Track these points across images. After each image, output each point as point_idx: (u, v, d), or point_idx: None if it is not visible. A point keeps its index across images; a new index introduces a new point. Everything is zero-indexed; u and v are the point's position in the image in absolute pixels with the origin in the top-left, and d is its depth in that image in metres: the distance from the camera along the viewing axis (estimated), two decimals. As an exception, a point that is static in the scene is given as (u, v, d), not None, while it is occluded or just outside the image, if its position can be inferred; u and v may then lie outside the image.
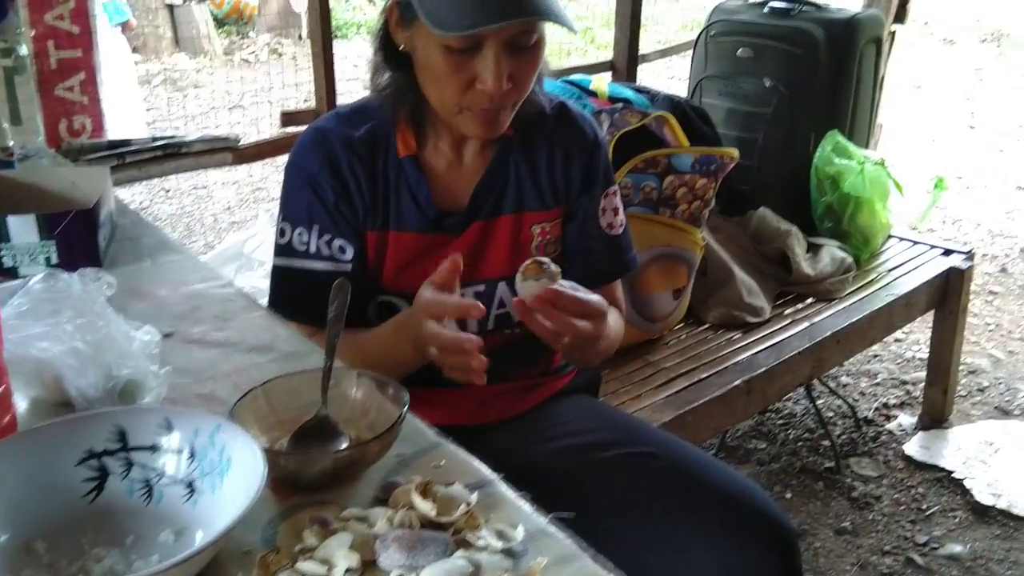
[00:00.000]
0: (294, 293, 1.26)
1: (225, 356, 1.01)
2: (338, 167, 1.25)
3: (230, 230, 4.40)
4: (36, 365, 0.84)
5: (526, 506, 0.80)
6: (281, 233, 1.27)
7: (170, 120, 6.10)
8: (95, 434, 0.77)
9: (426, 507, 0.75)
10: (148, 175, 2.03)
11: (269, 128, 5.76)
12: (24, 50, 1.59)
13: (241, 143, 2.16)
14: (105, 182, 1.27)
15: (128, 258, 1.25)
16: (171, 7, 7.94)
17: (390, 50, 1.23)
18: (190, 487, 0.77)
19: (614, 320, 1.35)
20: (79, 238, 1.15)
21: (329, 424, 0.85)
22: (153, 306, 1.11)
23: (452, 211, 1.30)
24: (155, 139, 2.03)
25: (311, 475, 0.79)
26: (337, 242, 1.25)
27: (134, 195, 4.62)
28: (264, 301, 1.23)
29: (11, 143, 1.51)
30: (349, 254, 1.25)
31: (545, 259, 1.10)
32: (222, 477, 0.75)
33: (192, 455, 0.77)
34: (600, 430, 1.39)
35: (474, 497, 0.77)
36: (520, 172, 1.32)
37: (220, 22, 8.63)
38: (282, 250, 1.27)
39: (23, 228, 1.12)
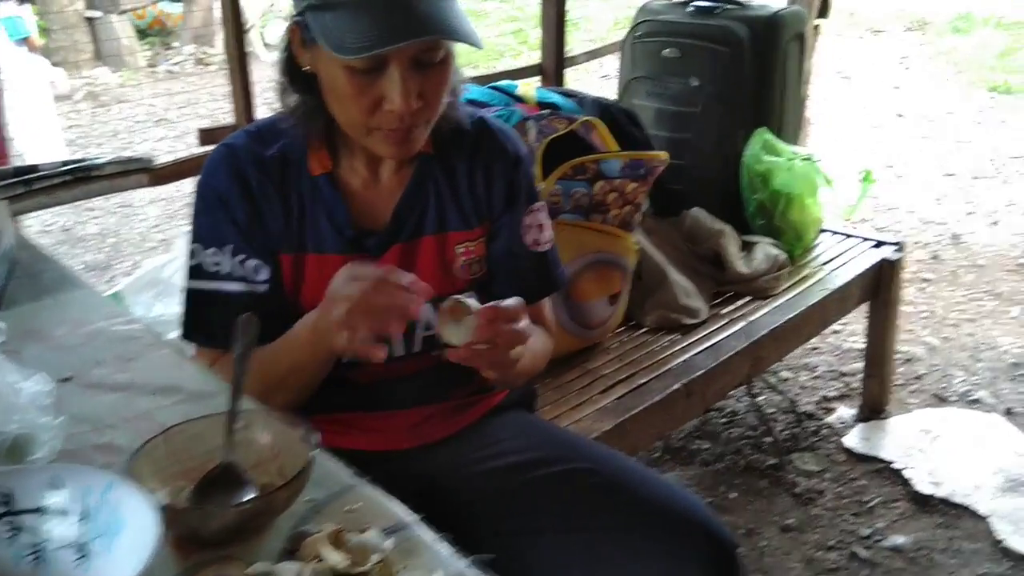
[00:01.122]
0: (207, 317, 1.20)
1: (127, 400, 0.95)
2: (248, 186, 1.20)
3: (159, 248, 4.29)
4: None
5: (445, 549, 0.76)
6: (192, 254, 1.21)
7: (92, 137, 5.94)
8: (-25, 500, 0.71)
9: (337, 558, 0.71)
10: (58, 201, 1.94)
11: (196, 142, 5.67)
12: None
13: (157, 163, 2.08)
14: (4, 218, 1.20)
15: (27, 296, 1.18)
16: (90, 20, 7.73)
17: (295, 71, 1.18)
18: (81, 550, 0.72)
19: (539, 339, 1.33)
20: (-30, 278, 1.08)
21: (234, 472, 0.81)
22: (51, 348, 1.05)
23: (371, 231, 1.25)
24: (64, 163, 1.94)
25: (213, 530, 0.74)
26: (251, 262, 1.19)
27: (56, 216, 4.48)
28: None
29: (-98, 176, 1.43)
30: (264, 275, 1.20)
31: (460, 297, 1.07)
32: (115, 538, 0.71)
33: (83, 516, 0.72)
34: (536, 447, 1.36)
35: (390, 543, 0.73)
36: (441, 191, 1.28)
37: (143, 33, 8.44)
38: (193, 272, 1.21)
39: (-95, 272, 1.05)
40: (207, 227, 1.21)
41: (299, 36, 1.14)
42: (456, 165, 1.29)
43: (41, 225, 4.43)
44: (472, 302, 1.06)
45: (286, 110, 1.22)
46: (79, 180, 1.94)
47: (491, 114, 2.22)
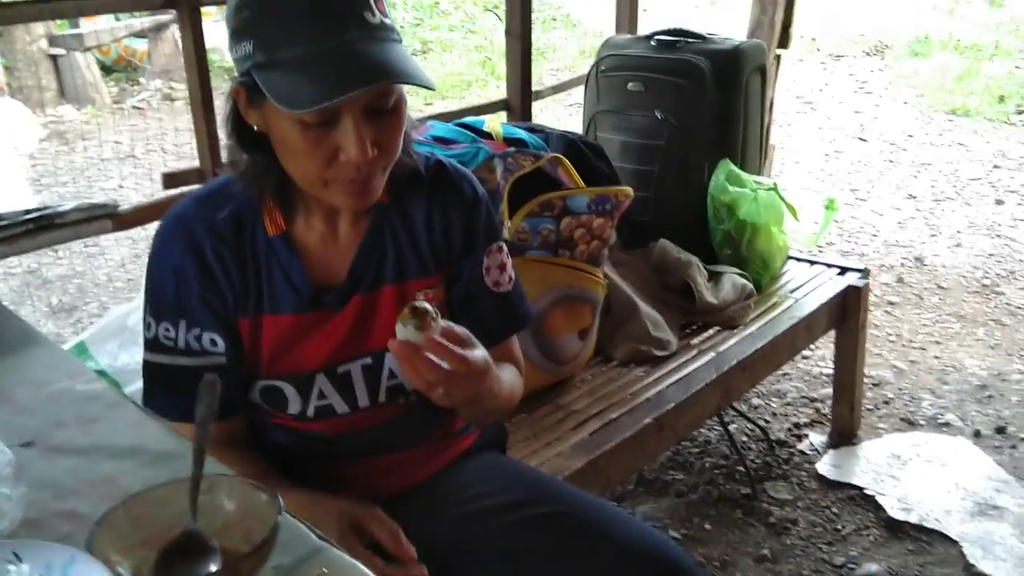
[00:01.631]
0: (166, 390, 1.19)
1: (90, 464, 0.94)
2: (202, 254, 1.18)
3: (126, 288, 4.24)
4: None
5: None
6: (147, 327, 1.19)
7: (58, 175, 5.88)
8: (-70, 581, 0.70)
9: None
10: (20, 250, 1.92)
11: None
12: None
13: (121, 209, 2.07)
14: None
15: (-14, 356, 1.16)
16: (54, 57, 7.67)
17: (244, 132, 1.16)
18: (44, 629, 0.70)
19: (508, 376, 1.32)
20: (-73, 342, 1.07)
21: (199, 540, 0.79)
22: (13, 411, 1.04)
23: (330, 286, 1.24)
24: (27, 211, 1.92)
25: (178, 603, 0.73)
26: (206, 336, 1.18)
27: (21, 257, 4.42)
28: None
29: None
30: (220, 346, 1.19)
31: (423, 304, 1.06)
32: (78, 615, 0.69)
33: (44, 592, 0.71)
34: (508, 490, 1.36)
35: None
36: (399, 239, 1.27)
37: (108, 70, 8.38)
38: (150, 345, 1.20)
39: None
40: (160, 300, 1.20)
41: (245, 97, 1.12)
42: (413, 211, 1.28)
43: (5, 267, 4.37)
44: (430, 309, 1.06)
45: (235, 171, 1.21)
46: (42, 228, 1.92)
47: (457, 151, 2.25)
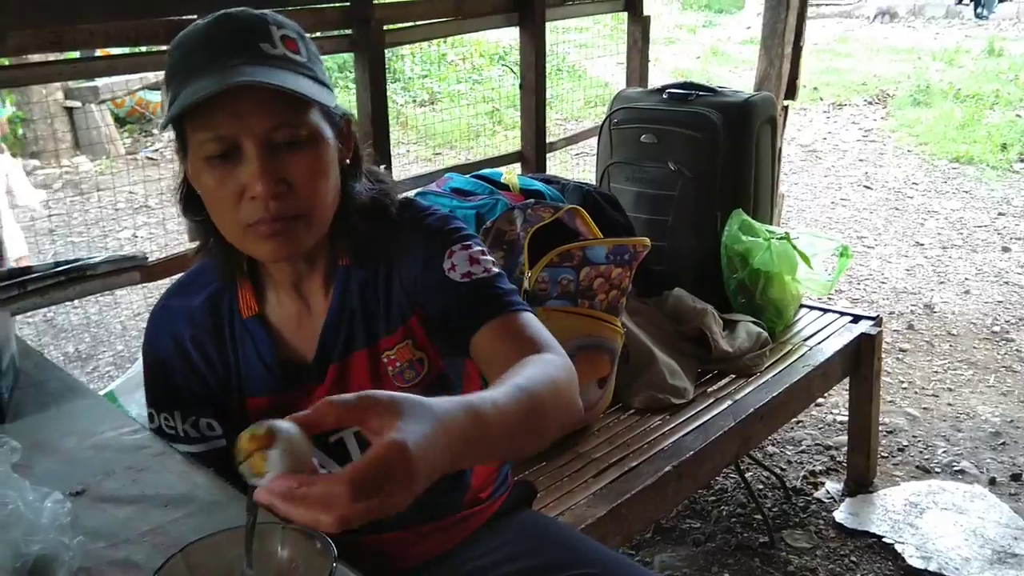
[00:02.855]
0: None
1: (141, 513, 0.96)
2: (183, 344, 1.20)
3: (140, 338, 4.27)
4: (-66, 551, 0.79)
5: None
6: (151, 418, 1.22)
7: (73, 225, 5.95)
8: (2, 628, 0.72)
9: None
10: (51, 302, 1.96)
11: (178, 228, 5.69)
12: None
13: (149, 260, 2.11)
14: (7, 328, 1.22)
15: (32, 407, 1.19)
16: (70, 110, 7.80)
17: (189, 198, 1.16)
18: (108, 674, 0.72)
19: (532, 377, 1.00)
20: (-21, 393, 1.10)
21: (255, 587, 0.82)
22: (62, 462, 1.06)
23: (304, 363, 1.22)
24: (58, 263, 1.96)
25: (239, 649, 0.75)
26: (203, 421, 1.20)
27: (33, 311, 4.46)
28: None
29: (-98, 286, 1.44)
30: (218, 430, 1.21)
31: (245, 435, 0.79)
32: (143, 661, 0.71)
33: (109, 639, 0.73)
34: (536, 554, 1.33)
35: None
36: (366, 300, 1.22)
37: (122, 121, 8.51)
38: (158, 433, 1.22)
39: (-84, 389, 1.06)
40: (155, 393, 1.23)
41: (181, 159, 1.13)
42: (377, 267, 1.22)
43: (22, 316, 4.41)
44: (286, 427, 0.79)
45: (205, 253, 1.21)
46: (72, 280, 1.96)
47: (475, 202, 2.29)
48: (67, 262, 1.98)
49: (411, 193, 2.27)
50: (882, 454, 2.96)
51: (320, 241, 1.17)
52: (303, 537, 0.86)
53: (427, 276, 1.19)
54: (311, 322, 1.22)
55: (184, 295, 1.24)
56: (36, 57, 2.18)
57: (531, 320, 1.15)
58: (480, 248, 1.21)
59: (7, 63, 2.26)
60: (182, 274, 1.29)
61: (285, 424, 0.78)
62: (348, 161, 1.18)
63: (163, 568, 0.80)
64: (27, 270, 1.92)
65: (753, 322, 2.62)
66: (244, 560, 0.83)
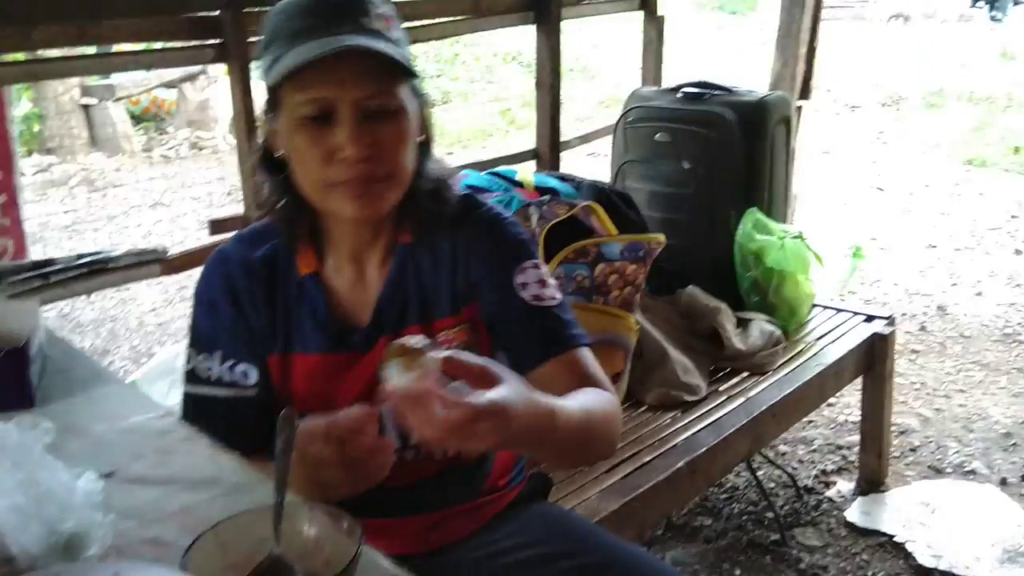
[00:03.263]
0: (202, 419, 1.22)
1: (170, 495, 0.98)
2: (236, 290, 1.24)
3: (156, 332, 4.31)
4: (-26, 524, 0.81)
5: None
6: (188, 358, 1.26)
7: (88, 222, 6.00)
8: (42, 597, 0.74)
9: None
10: (73, 293, 1.99)
11: (192, 224, 5.73)
12: (-57, 178, 1.56)
13: (169, 253, 2.14)
14: (35, 317, 1.24)
15: (60, 393, 1.22)
16: (86, 107, 7.86)
17: (270, 160, 1.24)
18: (144, 646, 0.75)
19: (586, 402, 1.14)
20: (10, 378, 1.12)
21: (283, 564, 0.84)
22: (91, 444, 1.08)
23: (355, 328, 1.27)
24: (80, 256, 1.99)
25: (268, 622, 0.77)
26: (240, 367, 1.24)
27: (54, 303, 4.50)
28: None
29: (-70, 275, 1.47)
30: (252, 378, 1.24)
31: (408, 341, 0.97)
32: (176, 633, 0.73)
33: (144, 611, 0.75)
34: (549, 542, 1.36)
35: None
36: (423, 279, 1.28)
37: (137, 119, 8.57)
38: (188, 376, 1.26)
39: (-49, 372, 1.09)
40: (199, 332, 1.26)
41: (267, 122, 1.21)
42: (437, 250, 1.28)
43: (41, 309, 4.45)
44: (420, 344, 0.96)
45: (272, 213, 1.27)
46: (94, 272, 1.99)
47: (491, 199, 2.31)
48: (89, 255, 2.01)
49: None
50: (894, 454, 2.97)
51: (388, 216, 1.24)
52: (330, 516, 0.88)
53: (494, 283, 1.26)
54: (365, 291, 1.27)
55: (244, 246, 1.28)
56: (54, 52, 2.19)
57: (590, 357, 1.26)
58: (545, 269, 1.30)
59: (22, 58, 2.29)
60: (242, 230, 1.33)
61: (433, 352, 0.96)
62: (421, 140, 1.24)
63: (195, 544, 0.83)
64: (50, 261, 1.95)
65: (766, 320, 2.63)
66: (272, 538, 0.85)
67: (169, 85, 8.61)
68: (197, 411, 1.25)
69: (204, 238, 2.35)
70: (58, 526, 0.83)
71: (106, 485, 0.96)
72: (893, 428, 3.00)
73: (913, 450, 3.05)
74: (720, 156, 2.72)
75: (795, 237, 2.73)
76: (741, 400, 2.37)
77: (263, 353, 1.26)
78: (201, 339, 1.26)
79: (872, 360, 2.72)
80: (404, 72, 1.15)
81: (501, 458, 1.43)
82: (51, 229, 5.85)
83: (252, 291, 1.25)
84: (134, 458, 1.06)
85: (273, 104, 1.19)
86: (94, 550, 0.86)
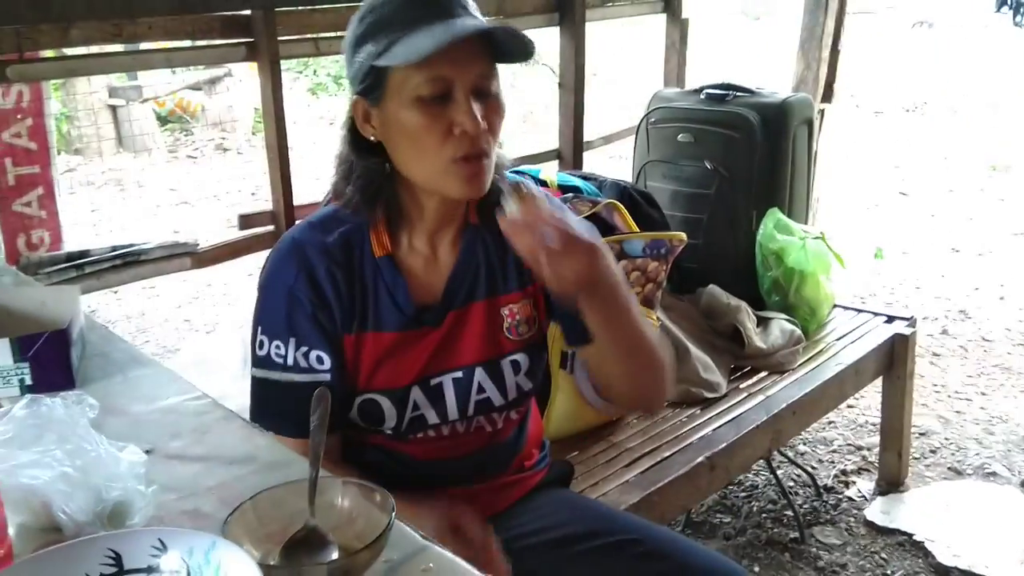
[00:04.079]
0: (274, 405, 1.27)
1: (207, 470, 1.02)
2: (315, 275, 1.26)
3: (183, 328, 4.37)
4: (24, 491, 0.85)
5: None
6: (260, 345, 1.28)
7: (115, 220, 6.08)
8: (91, 559, 0.78)
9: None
10: (107, 284, 2.03)
11: (217, 224, 5.80)
12: (-15, 171, 1.61)
13: (200, 247, 2.18)
14: (76, 302, 1.28)
15: (100, 375, 1.26)
16: (113, 108, 7.96)
17: (360, 144, 1.27)
18: (189, 607, 0.78)
19: (657, 336, 1.33)
20: (53, 359, 1.16)
21: (318, 535, 0.87)
22: (130, 423, 1.12)
23: (429, 304, 1.32)
24: (114, 248, 2.04)
25: (305, 587, 0.81)
26: (314, 353, 1.26)
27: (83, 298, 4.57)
28: (231, 404, 1.23)
29: (-27, 262, 1.52)
30: (327, 364, 1.27)
31: (519, 181, 1.16)
32: (220, 595, 0.77)
33: (188, 574, 0.79)
34: (576, 521, 1.41)
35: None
36: (490, 257, 1.34)
37: (163, 120, 8.67)
38: (260, 362, 1.28)
39: (-2, 352, 1.13)
40: (273, 319, 1.28)
41: (364, 106, 1.24)
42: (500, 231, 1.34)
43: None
44: (533, 191, 1.16)
45: (342, 201, 1.30)
46: (127, 264, 2.04)
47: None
48: (123, 247, 2.06)
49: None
50: (914, 455, 2.97)
51: (462, 200, 1.29)
52: (364, 490, 0.91)
53: None
54: (438, 270, 1.33)
55: (317, 232, 1.30)
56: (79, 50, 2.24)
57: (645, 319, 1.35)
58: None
59: (48, 55, 2.34)
60: (309, 217, 1.36)
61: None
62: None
63: (233, 515, 0.86)
64: (85, 253, 2.00)
65: (787, 320, 2.65)
66: (308, 510, 0.89)
67: (194, 87, 8.71)
68: (270, 396, 1.28)
69: (231, 234, 2.39)
70: (104, 495, 0.87)
71: (146, 461, 1.00)
72: (914, 429, 3.00)
73: (933, 452, 3.05)
74: (742, 157, 2.74)
75: (816, 238, 2.75)
76: (761, 398, 2.38)
77: (340, 334, 1.28)
78: (275, 325, 1.27)
79: (893, 361, 2.73)
80: (521, 55, 1.21)
81: (533, 435, 1.47)
82: (79, 227, 5.93)
83: (333, 274, 1.27)
84: (172, 436, 1.09)
85: (373, 85, 1.22)
86: (137, 519, 0.89)
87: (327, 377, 1.26)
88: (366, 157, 1.27)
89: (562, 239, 1.11)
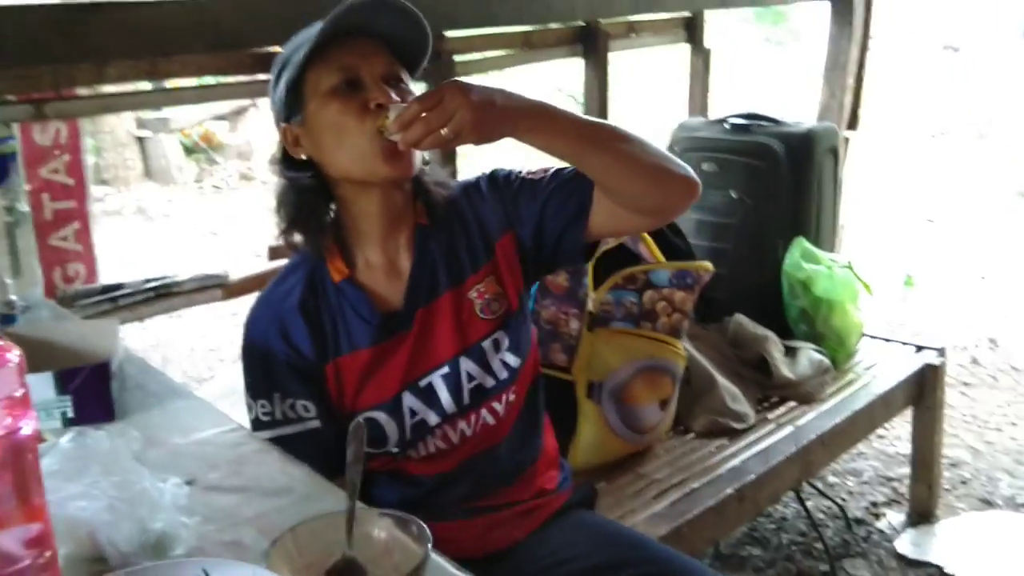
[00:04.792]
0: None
1: (246, 501, 1.03)
2: (285, 326, 1.31)
3: (208, 357, 4.41)
4: (70, 523, 0.86)
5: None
6: (248, 409, 1.33)
7: (142, 251, 6.15)
8: (137, 591, 0.79)
9: None
10: (139, 316, 2.07)
11: (242, 253, 5.85)
12: (24, 206, 1.64)
13: (231, 279, 2.21)
14: (116, 335, 1.31)
15: (138, 407, 1.27)
16: (141, 139, 8.08)
17: (293, 164, 1.32)
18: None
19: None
20: (94, 392, 1.18)
21: (356, 566, 0.88)
22: (169, 454, 1.14)
23: (395, 312, 1.34)
24: (147, 280, 2.07)
25: (345, 618, 0.81)
26: (300, 403, 1.30)
27: (127, 323, 4.62)
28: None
29: (13, 296, 1.55)
30: (313, 411, 1.31)
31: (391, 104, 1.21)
32: (262, 626, 0.78)
33: (230, 606, 0.80)
34: (603, 549, 1.41)
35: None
36: (444, 250, 1.37)
37: (189, 151, 8.79)
38: (254, 425, 1.32)
39: (41, 386, 1.15)
40: (254, 381, 1.34)
41: (290, 132, 1.30)
42: (451, 222, 1.38)
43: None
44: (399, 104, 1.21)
45: (295, 247, 1.35)
46: (160, 296, 2.07)
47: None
48: (155, 279, 2.09)
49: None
50: (944, 486, 2.94)
51: (406, 200, 1.34)
52: (400, 522, 0.92)
53: (508, 198, 1.37)
54: (398, 277, 1.35)
55: (281, 284, 1.36)
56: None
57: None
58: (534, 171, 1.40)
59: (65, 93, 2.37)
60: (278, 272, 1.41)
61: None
62: None
63: (274, 545, 0.87)
64: (119, 286, 2.03)
65: (815, 349, 2.64)
66: (345, 541, 0.90)
67: (220, 118, 8.83)
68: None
69: (260, 265, 2.42)
70: (148, 526, 0.88)
71: (188, 493, 1.01)
72: (944, 460, 2.97)
73: (964, 482, 3.02)
74: (767, 186, 2.75)
75: (844, 266, 2.74)
76: (790, 428, 2.37)
77: (319, 375, 1.32)
78: (256, 387, 1.33)
79: (922, 391, 2.71)
80: (415, 41, 1.27)
81: (546, 450, 1.49)
82: (107, 256, 6.00)
83: (300, 317, 1.31)
84: (210, 468, 1.11)
85: (293, 104, 1.28)
86: (180, 550, 0.91)
87: (316, 424, 1.31)
88: (300, 172, 1.31)
89: (420, 102, 1.14)
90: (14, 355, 0.69)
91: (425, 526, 0.89)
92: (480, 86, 1.16)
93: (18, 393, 0.69)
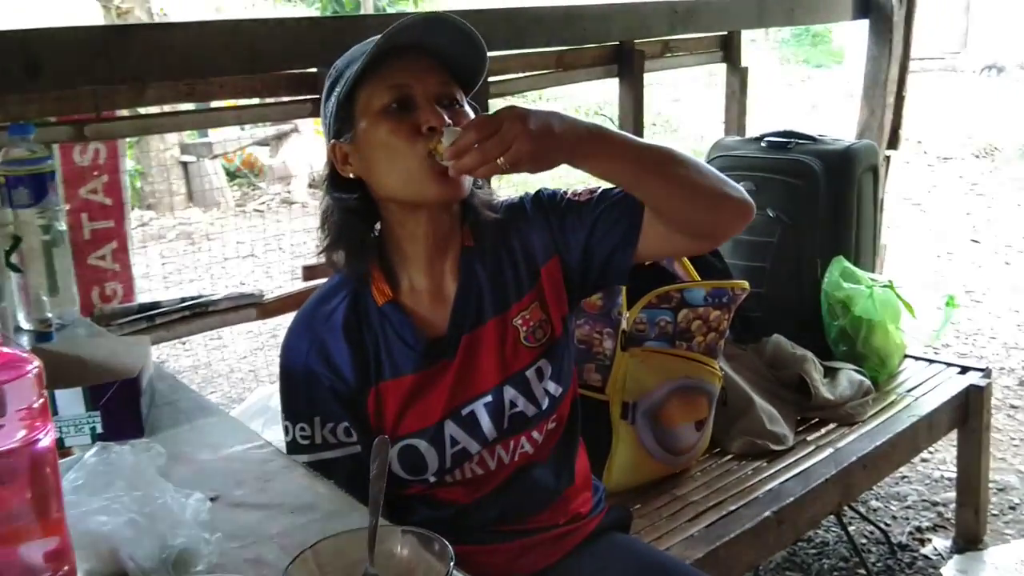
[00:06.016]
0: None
1: (270, 518, 1.03)
2: (326, 347, 1.29)
3: (247, 379, 4.44)
4: (92, 537, 0.86)
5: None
6: (286, 431, 1.31)
7: (185, 272, 6.23)
8: (155, 607, 0.79)
9: None
10: (176, 335, 2.08)
11: (280, 275, 5.91)
12: (62, 225, 1.66)
13: (266, 298, 2.22)
14: (146, 351, 1.32)
15: (167, 423, 1.28)
16: (185, 164, 8.22)
17: (341, 186, 1.30)
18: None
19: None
20: (123, 408, 1.19)
21: (378, 584, 0.87)
22: (196, 471, 1.14)
23: (439, 338, 1.32)
24: (183, 300, 2.09)
25: (364, 638, 0.80)
26: (341, 427, 1.29)
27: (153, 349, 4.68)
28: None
29: (49, 314, 1.57)
30: (353, 435, 1.29)
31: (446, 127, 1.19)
32: (279, 645, 0.77)
33: (248, 623, 0.79)
34: (640, 574, 1.39)
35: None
36: (490, 275, 1.34)
37: (231, 175, 8.92)
38: (290, 448, 1.30)
39: (70, 401, 1.16)
40: (293, 403, 1.32)
41: (339, 149, 1.27)
42: (497, 246, 1.35)
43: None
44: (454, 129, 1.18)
45: (337, 268, 1.33)
46: (196, 315, 2.08)
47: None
48: (191, 298, 2.11)
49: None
50: (992, 512, 2.86)
51: (453, 222, 1.31)
52: (423, 539, 0.91)
53: (555, 222, 1.34)
54: (443, 301, 1.32)
55: (322, 304, 1.33)
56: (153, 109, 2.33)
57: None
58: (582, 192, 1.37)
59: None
60: (317, 291, 1.39)
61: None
62: None
63: (294, 563, 0.86)
64: (155, 304, 2.05)
65: (854, 370, 2.59)
66: (367, 559, 0.88)
67: (262, 143, 8.95)
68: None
69: (295, 285, 2.43)
70: (169, 541, 0.88)
71: (210, 508, 1.01)
72: (991, 485, 2.89)
73: (1012, 508, 2.93)
74: (806, 204, 2.71)
75: (884, 286, 2.69)
76: (830, 451, 2.32)
77: (360, 399, 1.30)
78: (296, 409, 1.31)
79: (967, 413, 2.64)
80: (473, 56, 1.24)
81: (580, 474, 1.45)
82: (150, 279, 6.09)
83: (341, 342, 1.29)
84: (236, 484, 1.10)
85: (344, 121, 1.26)
86: (201, 567, 0.90)
87: (357, 449, 1.28)
88: (348, 193, 1.29)
89: (476, 130, 1.11)
90: (33, 366, 0.69)
91: (448, 544, 0.87)
92: (537, 111, 1.13)
93: (36, 404, 0.69)
